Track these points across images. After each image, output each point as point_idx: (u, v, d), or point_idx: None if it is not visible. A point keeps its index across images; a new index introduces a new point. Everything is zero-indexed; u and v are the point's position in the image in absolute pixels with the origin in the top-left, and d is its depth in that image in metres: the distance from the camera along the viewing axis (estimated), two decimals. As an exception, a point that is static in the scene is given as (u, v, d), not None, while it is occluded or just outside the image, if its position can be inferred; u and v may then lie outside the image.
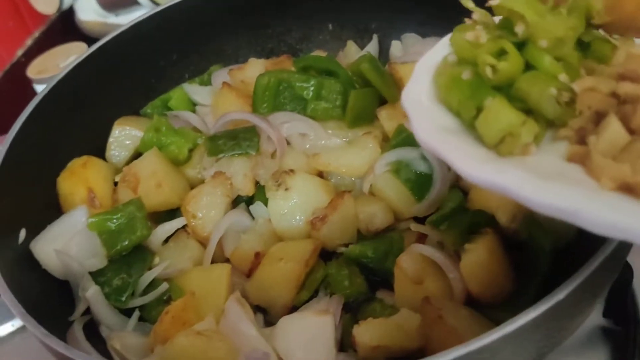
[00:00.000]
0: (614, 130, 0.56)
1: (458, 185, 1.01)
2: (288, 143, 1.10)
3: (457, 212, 0.95)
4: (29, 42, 2.03)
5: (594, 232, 0.49)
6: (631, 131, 0.56)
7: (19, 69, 1.85)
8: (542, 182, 0.54)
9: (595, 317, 0.99)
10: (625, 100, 0.58)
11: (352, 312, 0.94)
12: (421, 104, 0.65)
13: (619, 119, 0.57)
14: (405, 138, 1.03)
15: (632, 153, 0.55)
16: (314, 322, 0.87)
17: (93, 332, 0.97)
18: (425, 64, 0.69)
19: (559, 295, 0.64)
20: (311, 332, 0.87)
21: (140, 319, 0.99)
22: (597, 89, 0.60)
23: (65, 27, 2.03)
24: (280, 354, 0.85)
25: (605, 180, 0.54)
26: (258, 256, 1.00)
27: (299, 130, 1.10)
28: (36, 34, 2.06)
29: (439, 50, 0.70)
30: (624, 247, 0.77)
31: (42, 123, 1.10)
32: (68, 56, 1.74)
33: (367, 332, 0.83)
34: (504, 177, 0.54)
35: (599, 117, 0.60)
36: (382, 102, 1.14)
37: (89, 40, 1.77)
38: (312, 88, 1.13)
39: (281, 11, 1.33)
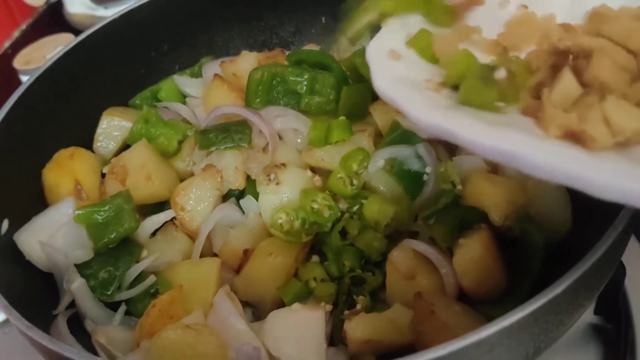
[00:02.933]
0: (566, 82, 0.58)
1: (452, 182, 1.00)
2: (280, 138, 1.09)
3: (449, 207, 0.94)
4: (16, 34, 2.01)
5: (535, 175, 0.49)
6: (584, 84, 0.58)
7: (5, 60, 1.83)
8: (487, 127, 0.55)
9: (586, 315, 0.99)
10: (579, 54, 0.60)
11: (343, 306, 0.93)
12: (383, 56, 0.68)
13: (573, 73, 0.58)
14: (399, 135, 1.02)
15: (582, 104, 0.56)
16: (304, 316, 0.86)
17: (78, 326, 0.95)
18: (396, 21, 0.73)
19: (557, 289, 0.63)
20: (301, 326, 0.85)
21: (127, 313, 0.97)
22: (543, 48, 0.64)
23: (53, 20, 2.01)
24: (270, 348, 0.84)
25: (553, 129, 0.55)
26: (247, 253, 0.98)
27: (292, 125, 1.09)
28: (23, 26, 2.04)
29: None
30: (622, 242, 0.77)
31: (28, 113, 1.08)
32: (55, 47, 1.72)
33: (358, 327, 0.83)
34: (450, 121, 0.55)
35: (556, 72, 0.61)
36: (375, 97, 1.12)
37: (77, 33, 1.73)
38: (305, 82, 1.12)
39: (274, 3, 1.32)
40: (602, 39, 0.59)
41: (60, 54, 1.14)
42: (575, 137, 0.54)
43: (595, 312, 1.00)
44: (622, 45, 0.59)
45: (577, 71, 0.59)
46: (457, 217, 0.89)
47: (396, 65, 0.68)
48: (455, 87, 0.66)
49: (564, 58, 0.62)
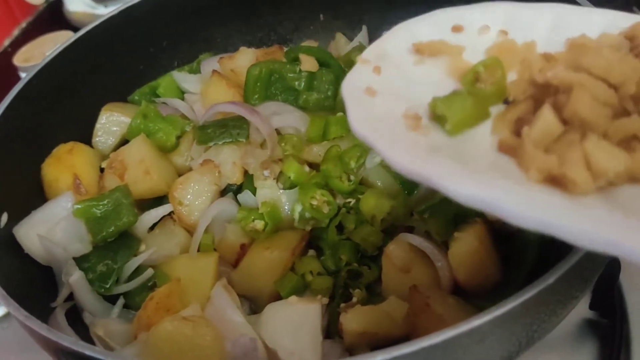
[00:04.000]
0: (546, 119, 0.57)
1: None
2: (279, 133, 1.09)
3: (444, 201, 0.94)
4: (16, 32, 2.01)
5: (516, 225, 0.49)
6: (564, 121, 0.57)
7: (5, 58, 1.83)
8: (466, 173, 0.54)
9: (581, 310, 1.00)
10: (559, 88, 0.59)
11: (339, 299, 0.93)
12: (358, 92, 0.65)
13: (554, 109, 0.57)
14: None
15: (562, 144, 0.55)
16: (301, 309, 0.86)
17: (76, 319, 0.96)
18: (370, 53, 0.70)
19: (549, 279, 0.63)
20: (297, 319, 0.86)
21: (125, 306, 0.98)
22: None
23: (53, 18, 2.01)
24: (267, 341, 0.84)
25: (533, 172, 0.54)
26: (244, 247, 0.99)
27: (290, 122, 1.09)
28: (23, 24, 2.04)
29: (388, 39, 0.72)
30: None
31: (27, 108, 1.08)
32: (55, 45, 1.71)
33: (354, 319, 0.83)
34: (429, 168, 0.54)
35: (537, 105, 0.61)
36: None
37: (77, 31, 1.73)
38: (303, 79, 1.12)
39: (273, 0, 1.32)
40: (582, 74, 0.58)
41: (60, 49, 1.14)
42: (556, 181, 0.53)
43: (591, 307, 1.01)
44: (603, 79, 0.58)
45: (558, 107, 0.58)
46: (451, 210, 0.90)
47: (372, 101, 0.65)
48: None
49: (544, 90, 0.61)
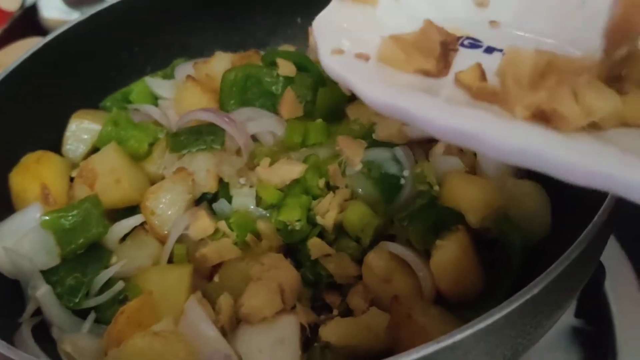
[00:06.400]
0: (528, 54, 0.52)
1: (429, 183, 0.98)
2: (256, 140, 1.06)
3: (424, 208, 0.92)
4: (-11, 39, 1.96)
5: (500, 159, 0.45)
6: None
7: (-23, 65, 1.78)
8: (446, 106, 0.50)
9: (567, 318, 0.99)
10: None
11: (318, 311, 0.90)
12: (332, 29, 0.63)
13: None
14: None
15: (549, 82, 0.51)
16: (278, 322, 0.83)
17: (44, 335, 0.92)
18: None
19: (534, 290, 0.61)
20: (275, 333, 0.83)
21: (96, 320, 0.94)
22: None
23: (27, 25, 1.97)
24: (243, 355, 0.81)
25: (519, 109, 0.49)
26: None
27: (266, 128, 1.07)
28: (-1, 31, 1.99)
29: None
30: (600, 241, 0.75)
31: (-7, 116, 1.05)
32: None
33: (333, 332, 0.81)
34: (406, 99, 0.50)
35: None
36: (352, 98, 1.10)
37: (48, 37, 1.72)
38: (281, 83, 1.10)
39: (249, 4, 1.30)
40: None
41: (27, 55, 1.11)
42: (545, 118, 0.49)
43: (576, 315, 0.99)
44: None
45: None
46: (431, 218, 0.88)
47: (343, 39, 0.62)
48: None
49: None
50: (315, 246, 0.92)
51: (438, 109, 0.49)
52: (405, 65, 0.60)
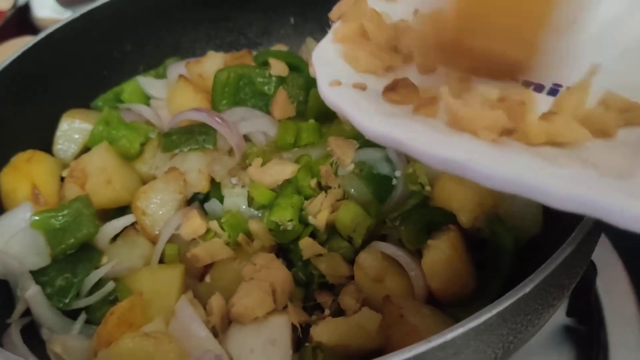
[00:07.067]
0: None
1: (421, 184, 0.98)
2: (248, 140, 1.06)
3: (416, 209, 0.92)
4: (-19, 39, 1.95)
5: (485, 185, 0.48)
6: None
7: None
8: (437, 134, 0.52)
9: (558, 317, 0.99)
10: None
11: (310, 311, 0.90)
12: (330, 58, 0.65)
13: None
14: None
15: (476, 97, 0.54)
16: (269, 322, 0.83)
17: (34, 335, 0.92)
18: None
19: (525, 288, 0.61)
20: (266, 333, 0.82)
21: (87, 321, 0.94)
22: None
23: (20, 24, 1.96)
24: (234, 356, 0.81)
25: (483, 131, 0.52)
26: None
27: (259, 128, 1.06)
28: (-10, 31, 1.98)
29: None
30: (591, 240, 0.75)
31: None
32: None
33: (324, 332, 0.80)
34: (398, 130, 0.53)
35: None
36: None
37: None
38: (273, 83, 1.09)
39: (242, 3, 1.30)
40: None
41: (18, 54, 1.10)
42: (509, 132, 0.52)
43: (568, 314, 0.99)
44: None
45: None
46: (422, 218, 0.88)
47: (344, 67, 0.65)
48: None
49: None
50: (307, 246, 0.92)
51: (430, 140, 0.51)
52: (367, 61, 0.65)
